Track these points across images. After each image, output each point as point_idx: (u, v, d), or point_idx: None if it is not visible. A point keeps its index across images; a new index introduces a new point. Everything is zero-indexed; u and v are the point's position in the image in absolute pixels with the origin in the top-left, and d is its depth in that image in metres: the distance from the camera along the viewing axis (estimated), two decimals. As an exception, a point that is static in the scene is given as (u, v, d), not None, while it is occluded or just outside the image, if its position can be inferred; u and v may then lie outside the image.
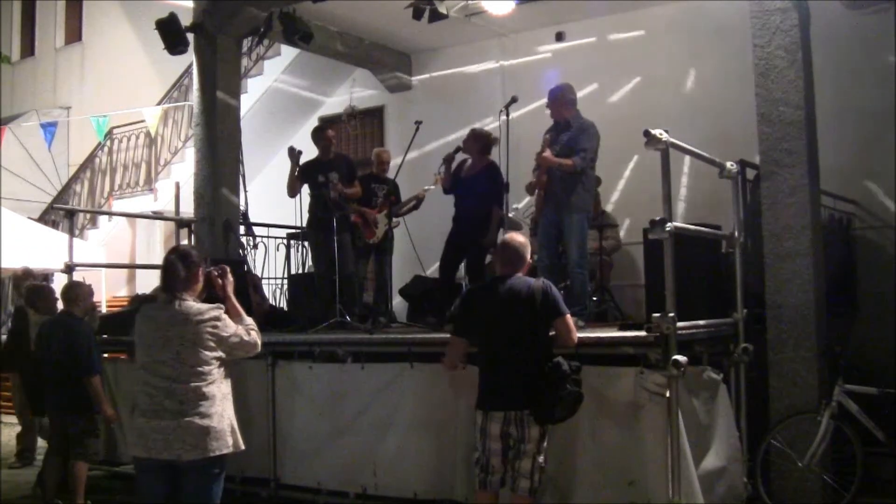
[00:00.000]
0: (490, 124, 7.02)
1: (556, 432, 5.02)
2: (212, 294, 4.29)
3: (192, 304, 4.07)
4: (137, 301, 8.37)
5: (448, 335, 5.10)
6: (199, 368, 3.99)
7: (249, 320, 4.28)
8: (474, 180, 7.14)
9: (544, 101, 6.48)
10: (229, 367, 4.18)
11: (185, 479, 3.99)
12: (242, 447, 4.17)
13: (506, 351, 4.57)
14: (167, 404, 3.95)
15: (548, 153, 6.09)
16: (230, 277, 4.34)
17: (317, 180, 7.65)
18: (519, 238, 4.89)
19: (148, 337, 4.06)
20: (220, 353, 4.08)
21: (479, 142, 7.24)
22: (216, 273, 4.28)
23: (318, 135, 7.93)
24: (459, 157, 7.31)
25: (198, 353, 3.99)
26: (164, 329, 4.01)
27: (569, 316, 4.66)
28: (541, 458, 4.54)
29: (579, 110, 6.33)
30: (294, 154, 7.67)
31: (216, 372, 4.06)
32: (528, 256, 4.80)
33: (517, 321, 4.57)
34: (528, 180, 6.51)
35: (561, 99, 6.32)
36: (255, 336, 4.25)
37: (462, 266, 7.48)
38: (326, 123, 8.42)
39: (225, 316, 4.10)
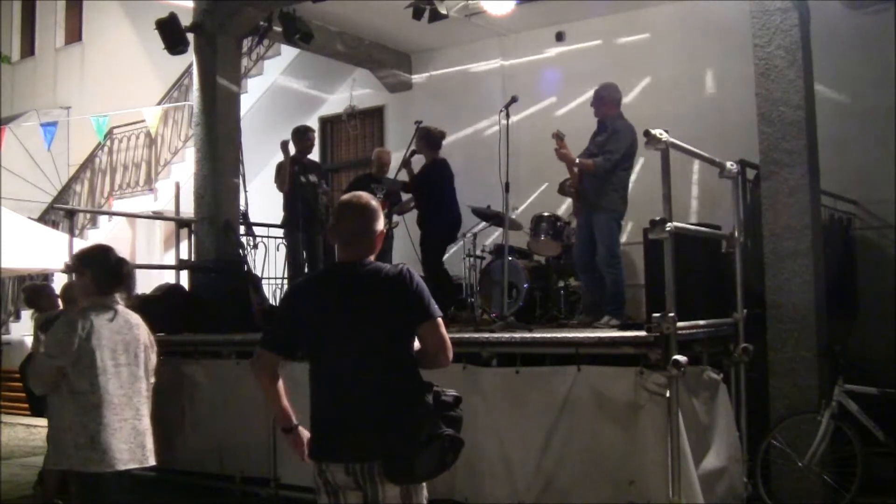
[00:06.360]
0: (490, 125, 7.01)
1: (556, 432, 5.02)
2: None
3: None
4: (137, 301, 8.35)
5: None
6: None
7: None
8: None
9: (544, 100, 6.50)
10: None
11: None
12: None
13: (346, 373, 3.06)
14: None
15: (566, 150, 6.20)
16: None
17: (300, 180, 8.03)
18: (364, 199, 3.21)
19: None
20: None
21: (425, 139, 7.40)
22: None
23: (306, 135, 8.37)
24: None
25: None
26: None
27: (441, 320, 3.11)
28: None
29: (622, 112, 6.48)
30: (287, 147, 8.08)
31: None
32: (381, 226, 3.25)
33: (364, 328, 3.05)
34: (527, 180, 6.51)
35: (606, 98, 6.49)
36: None
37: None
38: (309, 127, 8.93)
39: None
